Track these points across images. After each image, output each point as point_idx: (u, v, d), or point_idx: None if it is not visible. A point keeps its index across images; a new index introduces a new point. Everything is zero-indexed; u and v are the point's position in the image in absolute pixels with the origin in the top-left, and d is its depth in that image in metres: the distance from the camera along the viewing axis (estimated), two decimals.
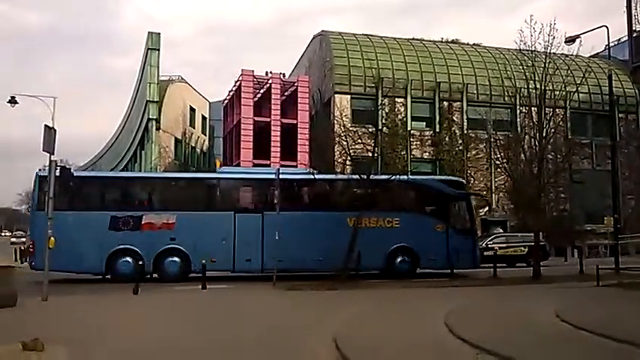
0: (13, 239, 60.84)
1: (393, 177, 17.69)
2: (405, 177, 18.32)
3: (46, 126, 13.42)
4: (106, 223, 16.59)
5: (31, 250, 16.54)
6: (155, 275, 16.83)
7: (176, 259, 16.83)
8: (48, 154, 13.13)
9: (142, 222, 16.65)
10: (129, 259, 16.50)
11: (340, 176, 18.45)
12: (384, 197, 16.86)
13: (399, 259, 17.77)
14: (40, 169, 17.51)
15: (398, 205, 18.15)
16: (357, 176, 17.28)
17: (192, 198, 17.99)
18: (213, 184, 18.75)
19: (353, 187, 17.40)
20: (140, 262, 15.92)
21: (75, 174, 15.08)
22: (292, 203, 17.17)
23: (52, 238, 12.33)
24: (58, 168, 13.25)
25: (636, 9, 39.09)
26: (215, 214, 17.18)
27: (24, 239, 56.55)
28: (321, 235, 16.67)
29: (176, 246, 16.77)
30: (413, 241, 17.66)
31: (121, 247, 16.54)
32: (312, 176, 18.21)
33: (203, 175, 20.98)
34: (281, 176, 16.22)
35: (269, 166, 30.88)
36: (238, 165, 33.43)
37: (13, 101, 25.77)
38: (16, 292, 11.19)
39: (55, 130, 13.48)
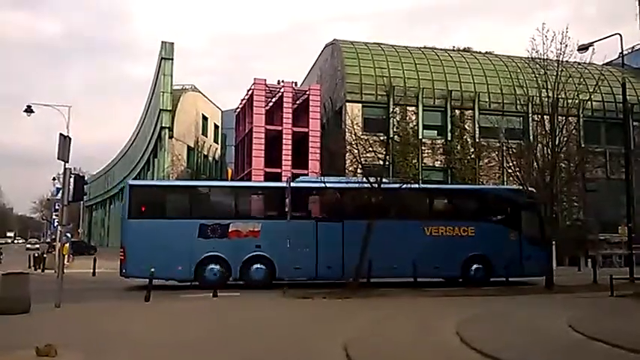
0: (29, 245, 61.75)
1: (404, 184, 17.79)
2: (480, 187, 18.58)
3: (61, 134, 13.63)
4: (195, 231, 16.87)
5: (122, 257, 16.88)
6: (241, 282, 17.11)
7: (262, 266, 17.22)
8: (63, 162, 13.31)
9: (229, 230, 16.89)
10: (217, 266, 16.89)
11: (418, 186, 18.78)
12: (457, 207, 18.00)
13: (474, 267, 18.16)
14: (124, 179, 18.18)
15: (473, 215, 18.68)
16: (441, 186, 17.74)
17: (276, 207, 18.02)
18: (295, 193, 18.93)
19: (432, 196, 18.10)
20: (228, 269, 16.43)
21: (166, 184, 15.30)
22: (373, 213, 17.27)
23: (67, 245, 12.51)
24: (73, 176, 13.42)
25: None
26: (298, 222, 17.06)
27: (38, 246, 57.42)
28: (397, 243, 16.94)
29: (261, 253, 17.16)
30: (487, 250, 17.98)
31: (209, 254, 16.87)
32: (396, 185, 18.13)
33: (278, 185, 20.83)
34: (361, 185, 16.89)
35: (280, 174, 30.94)
36: (250, 173, 33.58)
37: (29, 110, 26.20)
38: (29, 299, 11.33)
39: (69, 139, 13.67)
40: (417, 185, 18.49)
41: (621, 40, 21.31)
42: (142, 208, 16.91)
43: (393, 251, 16.86)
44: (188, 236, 16.76)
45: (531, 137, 21.53)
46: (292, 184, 17.87)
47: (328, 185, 17.63)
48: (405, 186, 17.45)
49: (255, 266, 17.17)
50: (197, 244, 16.81)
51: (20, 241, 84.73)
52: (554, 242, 20.40)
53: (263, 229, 17.26)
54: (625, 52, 37.63)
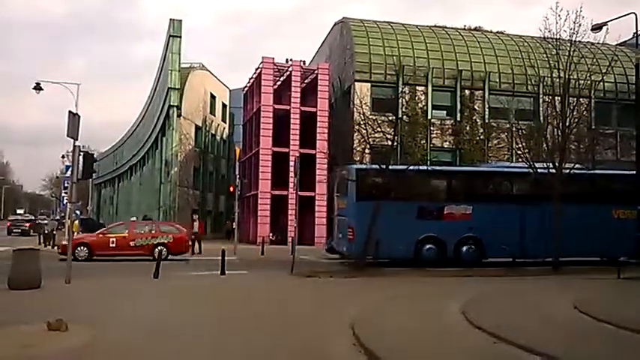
0: (38, 222, 62.39)
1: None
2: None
3: (70, 112, 13.64)
4: (415, 213, 18.01)
5: (350, 236, 17.90)
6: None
7: (473, 246, 18.38)
8: (72, 140, 13.35)
9: (444, 212, 17.88)
10: (433, 245, 18.11)
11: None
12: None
13: None
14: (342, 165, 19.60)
15: None
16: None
17: (486, 190, 19.16)
18: (498, 178, 19.80)
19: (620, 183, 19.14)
20: (443, 249, 17.51)
21: (389, 167, 16.33)
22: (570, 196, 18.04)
23: (76, 222, 12.65)
24: (82, 153, 13.47)
25: None
26: (504, 205, 18.14)
27: (47, 222, 57.92)
28: (588, 226, 17.54)
29: (473, 235, 18.27)
30: None
31: (427, 235, 18.07)
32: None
33: (489, 169, 21.39)
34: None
35: (288, 154, 30.90)
36: (258, 153, 33.57)
37: (38, 87, 26.24)
38: (40, 275, 11.48)
39: (79, 116, 13.69)
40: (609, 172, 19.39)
41: (636, 19, 20.88)
42: (367, 191, 17.63)
43: (585, 233, 17.41)
44: (408, 217, 17.73)
45: (541, 118, 21.33)
46: (499, 169, 18.99)
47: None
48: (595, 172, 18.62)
49: (467, 247, 18.35)
50: (416, 225, 17.94)
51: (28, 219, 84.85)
52: None
53: (474, 212, 18.22)
54: None
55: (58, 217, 44.96)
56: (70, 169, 14.74)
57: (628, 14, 20.76)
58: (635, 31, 23.75)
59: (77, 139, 13.40)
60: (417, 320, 8.25)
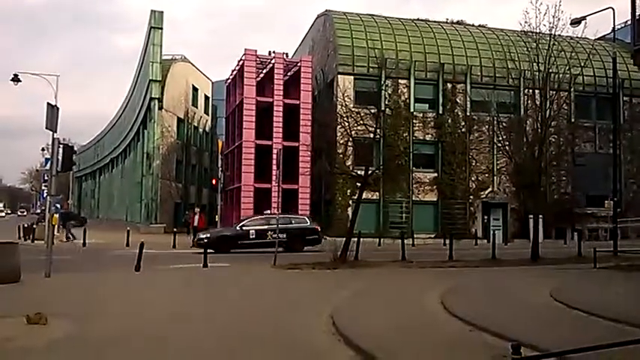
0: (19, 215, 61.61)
1: None
2: None
3: (48, 104, 13.50)
4: None
5: None
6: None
7: None
8: (51, 132, 13.22)
9: None
10: None
11: None
12: None
13: None
14: None
15: None
16: None
17: None
18: None
19: None
20: None
21: None
22: None
23: (56, 215, 12.53)
24: (61, 145, 13.35)
25: None
26: None
27: (26, 215, 57.24)
28: None
29: None
30: None
31: None
32: None
33: None
34: None
35: (271, 147, 30.85)
36: (240, 145, 33.44)
37: (16, 79, 25.84)
38: (19, 268, 11.38)
39: (57, 108, 13.55)
40: None
41: (614, 14, 21.25)
42: None
43: None
44: None
45: (522, 111, 21.61)
46: None
47: None
48: None
49: None
50: None
51: (2, 214, 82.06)
52: (540, 215, 20.68)
53: None
54: (617, 27, 37.52)
55: (38, 211, 44.46)
56: (50, 161, 14.59)
57: (606, 9, 21.10)
58: (612, 25, 24.15)
59: (56, 132, 13.27)
60: (396, 309, 8.36)
